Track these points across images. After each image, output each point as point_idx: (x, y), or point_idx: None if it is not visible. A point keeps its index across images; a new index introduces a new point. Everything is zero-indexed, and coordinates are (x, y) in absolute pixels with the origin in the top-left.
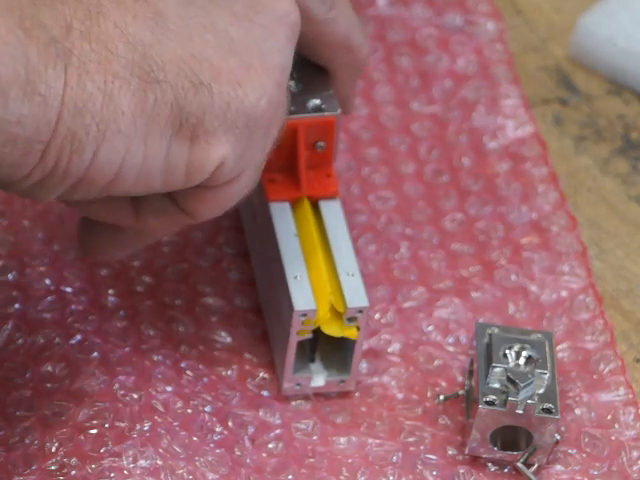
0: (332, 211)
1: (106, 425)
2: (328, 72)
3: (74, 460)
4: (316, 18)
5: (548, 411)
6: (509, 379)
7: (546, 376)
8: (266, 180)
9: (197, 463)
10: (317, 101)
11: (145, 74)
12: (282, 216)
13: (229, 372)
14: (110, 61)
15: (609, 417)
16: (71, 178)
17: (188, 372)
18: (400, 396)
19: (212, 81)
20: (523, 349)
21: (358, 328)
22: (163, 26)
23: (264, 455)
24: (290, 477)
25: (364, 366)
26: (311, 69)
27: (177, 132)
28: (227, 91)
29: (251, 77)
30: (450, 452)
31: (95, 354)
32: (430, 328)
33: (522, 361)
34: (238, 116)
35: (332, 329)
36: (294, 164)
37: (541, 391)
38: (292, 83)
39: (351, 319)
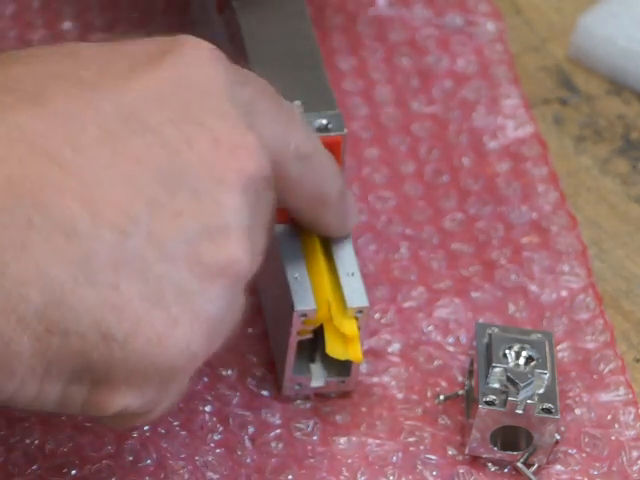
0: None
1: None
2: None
3: (74, 460)
4: (289, 176)
5: (548, 411)
6: (509, 379)
7: (546, 376)
8: None
9: (197, 463)
10: (323, 120)
11: (54, 324)
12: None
13: (229, 372)
14: (18, 306)
15: (609, 417)
16: None
17: None
18: (400, 396)
19: (128, 337)
20: (523, 349)
21: (359, 327)
22: (89, 272)
23: (264, 455)
24: (290, 477)
25: (364, 366)
26: (316, 89)
27: (78, 377)
28: (142, 348)
29: (175, 333)
30: (450, 452)
31: None
32: (430, 328)
33: (522, 361)
34: (150, 372)
35: (337, 352)
36: None
37: (541, 391)
38: (298, 102)
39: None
